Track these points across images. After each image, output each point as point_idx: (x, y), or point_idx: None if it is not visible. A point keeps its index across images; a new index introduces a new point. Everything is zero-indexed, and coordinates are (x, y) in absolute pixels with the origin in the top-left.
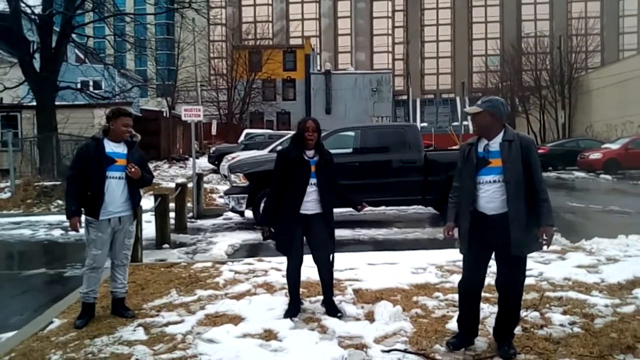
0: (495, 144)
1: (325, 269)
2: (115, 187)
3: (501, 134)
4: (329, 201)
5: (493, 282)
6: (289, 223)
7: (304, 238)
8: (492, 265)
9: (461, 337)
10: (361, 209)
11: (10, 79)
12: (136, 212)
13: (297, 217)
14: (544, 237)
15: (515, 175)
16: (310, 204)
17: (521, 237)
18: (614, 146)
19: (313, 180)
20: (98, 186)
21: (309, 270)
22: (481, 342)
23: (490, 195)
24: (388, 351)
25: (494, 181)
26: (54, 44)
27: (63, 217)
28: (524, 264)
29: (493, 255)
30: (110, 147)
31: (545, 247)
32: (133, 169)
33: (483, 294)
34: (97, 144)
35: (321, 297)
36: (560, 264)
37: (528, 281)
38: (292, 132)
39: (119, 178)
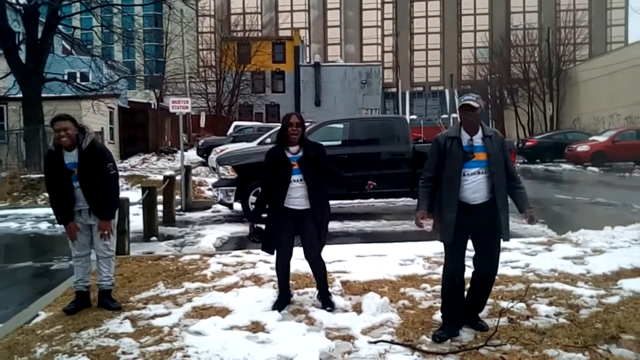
0: (478, 139)
1: (315, 264)
2: (78, 194)
3: (480, 130)
4: (318, 196)
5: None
6: (275, 219)
7: (296, 234)
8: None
9: (447, 328)
10: (368, 188)
11: None
12: (105, 210)
13: (284, 213)
14: (531, 217)
15: (499, 166)
16: (299, 199)
17: (507, 222)
18: (601, 138)
19: (298, 177)
20: (67, 195)
21: (297, 262)
22: (467, 333)
23: (476, 186)
24: (375, 342)
25: (479, 173)
26: (39, 35)
27: (49, 210)
28: (499, 252)
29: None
30: (67, 157)
31: (531, 226)
32: (104, 233)
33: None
34: (56, 155)
35: (309, 289)
36: (546, 255)
37: (514, 272)
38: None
39: (78, 187)
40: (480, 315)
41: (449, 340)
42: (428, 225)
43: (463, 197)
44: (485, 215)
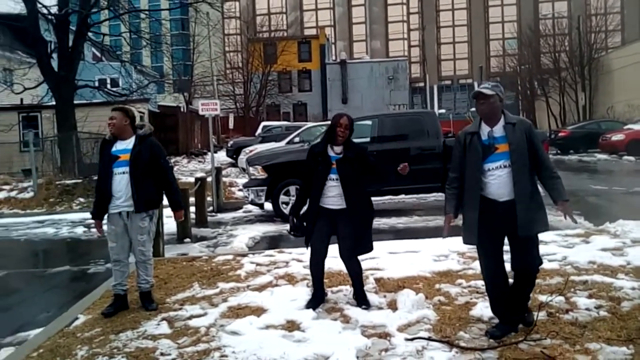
0: (499, 130)
1: (350, 264)
2: (119, 182)
3: (502, 119)
4: (354, 197)
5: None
6: (312, 216)
7: (333, 233)
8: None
9: (501, 327)
10: (402, 171)
11: (30, 79)
12: (147, 204)
13: (320, 211)
14: (564, 212)
15: (522, 157)
16: (334, 199)
17: (526, 216)
18: (637, 127)
19: (334, 176)
20: (105, 183)
21: (330, 260)
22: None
23: (502, 181)
24: (412, 339)
25: (504, 166)
26: (70, 43)
27: (85, 215)
28: (537, 244)
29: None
30: (118, 145)
31: (565, 220)
32: (180, 219)
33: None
34: (107, 143)
35: (343, 287)
36: (584, 248)
37: (551, 265)
38: (309, 124)
39: (122, 173)
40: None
41: (486, 336)
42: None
43: (489, 193)
44: (509, 213)
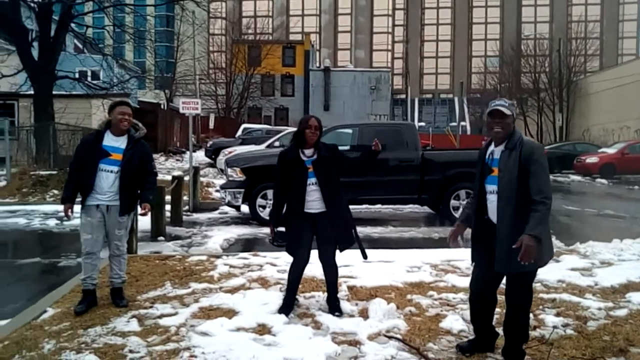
0: (499, 151)
1: (330, 268)
2: (104, 180)
3: (506, 141)
4: (334, 199)
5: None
6: (295, 224)
7: (313, 237)
8: None
9: (474, 342)
10: (375, 148)
11: (8, 66)
12: (130, 206)
13: (303, 217)
14: (523, 247)
15: (508, 186)
16: (314, 202)
17: (506, 252)
18: (611, 150)
19: (312, 180)
20: (88, 176)
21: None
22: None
23: (493, 206)
24: (389, 337)
25: (495, 192)
26: (52, 33)
27: (58, 207)
28: (529, 277)
29: None
30: (109, 140)
31: (522, 261)
32: (143, 211)
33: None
34: (96, 135)
35: (316, 293)
36: (554, 267)
37: None
38: (290, 128)
39: (110, 172)
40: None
41: (455, 349)
42: (458, 242)
43: (488, 214)
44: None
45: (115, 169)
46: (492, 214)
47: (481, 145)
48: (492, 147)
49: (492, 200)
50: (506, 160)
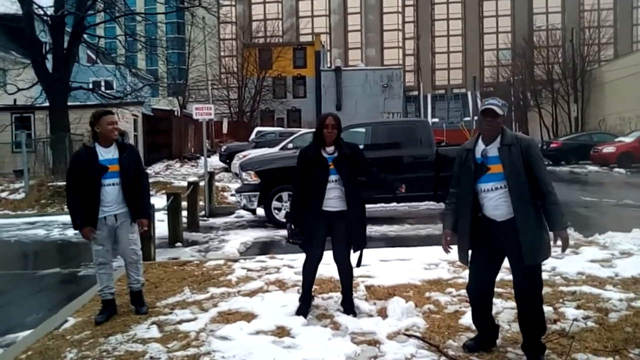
0: (493, 149)
1: (343, 269)
2: (109, 193)
3: (499, 138)
4: (354, 197)
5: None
6: (312, 221)
7: (327, 235)
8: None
9: (479, 339)
10: (401, 191)
11: (23, 80)
12: (137, 210)
13: (321, 215)
14: (558, 243)
15: (518, 180)
16: (333, 201)
17: (532, 244)
18: (628, 139)
19: (334, 177)
20: (93, 194)
21: (321, 267)
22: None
23: (497, 202)
24: (408, 336)
25: (497, 188)
26: (65, 45)
27: None
28: (538, 270)
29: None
30: (102, 154)
31: (560, 252)
32: (145, 229)
33: (495, 289)
34: (88, 152)
35: (334, 294)
36: (573, 259)
37: None
38: (303, 130)
39: (112, 185)
40: (501, 320)
41: (463, 350)
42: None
43: (486, 213)
44: (511, 232)
45: (117, 180)
46: (495, 209)
47: None
48: (480, 146)
49: (490, 198)
50: (507, 155)
